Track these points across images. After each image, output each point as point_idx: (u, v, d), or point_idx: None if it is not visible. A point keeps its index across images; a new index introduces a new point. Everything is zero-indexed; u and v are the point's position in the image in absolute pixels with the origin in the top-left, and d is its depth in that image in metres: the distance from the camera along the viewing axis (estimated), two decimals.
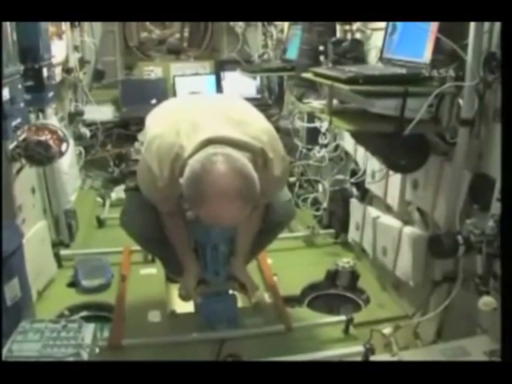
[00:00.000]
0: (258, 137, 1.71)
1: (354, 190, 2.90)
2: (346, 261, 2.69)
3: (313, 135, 3.30)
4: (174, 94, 4.49)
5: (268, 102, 4.28)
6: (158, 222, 2.00)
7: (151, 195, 1.87)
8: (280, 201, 2.11)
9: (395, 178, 2.34)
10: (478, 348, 1.73)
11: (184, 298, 2.11)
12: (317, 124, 3.21)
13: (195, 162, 1.55)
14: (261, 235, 2.10)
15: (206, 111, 1.80)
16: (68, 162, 3.40)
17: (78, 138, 4.00)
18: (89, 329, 1.79)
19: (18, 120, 2.15)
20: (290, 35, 3.41)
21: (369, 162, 2.61)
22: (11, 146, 2.23)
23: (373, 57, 2.48)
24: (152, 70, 4.77)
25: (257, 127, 1.77)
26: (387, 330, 2.00)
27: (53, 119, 2.99)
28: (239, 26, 4.67)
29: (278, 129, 2.10)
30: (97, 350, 1.76)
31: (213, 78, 4.65)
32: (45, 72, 2.50)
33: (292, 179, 3.58)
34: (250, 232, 2.06)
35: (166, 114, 1.92)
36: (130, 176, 2.11)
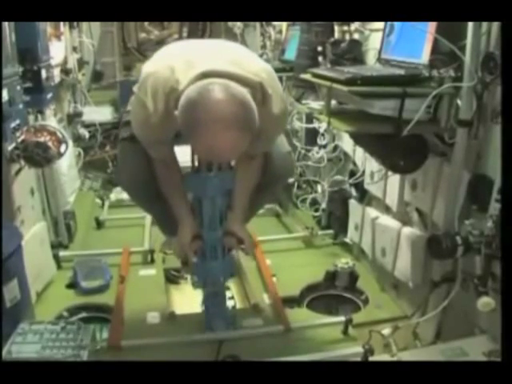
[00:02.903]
0: (257, 73, 1.65)
1: (353, 191, 2.90)
2: (344, 261, 2.69)
3: (311, 136, 3.30)
4: None
5: None
6: (153, 173, 1.92)
7: (145, 135, 1.78)
8: (279, 152, 2.04)
9: (394, 179, 2.34)
10: (477, 348, 1.73)
11: (179, 254, 2.05)
12: (315, 125, 3.21)
13: (191, 91, 1.50)
14: (259, 191, 2.02)
15: (201, 50, 1.74)
16: (67, 164, 3.40)
17: (77, 139, 4.00)
18: (88, 330, 1.80)
19: (17, 121, 2.15)
20: (289, 36, 3.42)
21: (367, 163, 2.61)
22: (10, 148, 2.23)
23: (371, 57, 2.48)
24: None
25: (255, 65, 1.71)
26: (386, 330, 1.99)
27: (51, 120, 2.99)
28: (237, 26, 4.66)
29: None
30: (96, 351, 1.77)
31: None
32: (43, 73, 2.50)
33: (291, 180, 3.58)
34: (248, 184, 1.97)
35: (160, 56, 1.83)
36: (124, 126, 2.00)
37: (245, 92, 1.52)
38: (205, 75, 1.55)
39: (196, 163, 1.94)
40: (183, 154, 1.96)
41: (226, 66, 1.60)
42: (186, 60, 1.66)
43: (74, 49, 3.94)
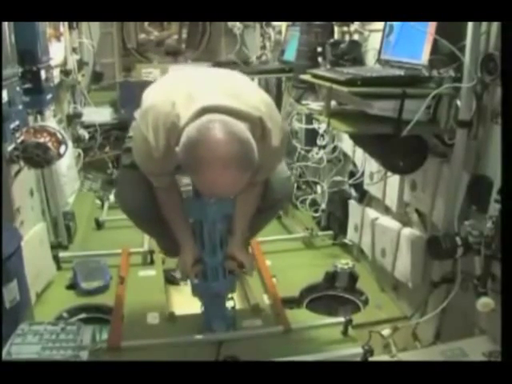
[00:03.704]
0: (256, 106, 1.68)
1: (353, 192, 2.90)
2: (344, 262, 2.69)
3: (311, 137, 3.30)
4: None
5: None
6: (153, 198, 1.94)
7: (147, 167, 1.82)
8: (278, 177, 2.05)
9: (393, 180, 2.34)
10: (477, 349, 1.73)
11: (181, 276, 2.12)
12: (315, 125, 3.21)
13: (191, 129, 1.52)
14: (259, 213, 2.05)
15: (201, 83, 1.76)
16: (66, 164, 3.40)
17: (77, 140, 4.01)
18: (87, 331, 1.80)
19: (17, 122, 2.15)
20: (288, 37, 3.42)
21: (367, 164, 2.61)
22: (10, 148, 2.23)
23: (370, 58, 2.49)
24: (151, 72, 4.78)
25: (254, 97, 1.73)
26: (386, 331, 1.99)
27: (51, 121, 2.99)
28: (237, 27, 4.67)
29: None
30: (96, 351, 1.76)
31: None
32: (43, 74, 2.50)
33: None
34: (248, 209, 2.00)
35: (161, 87, 1.87)
36: (125, 153, 2.03)
37: (244, 129, 1.54)
38: (205, 110, 1.58)
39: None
40: None
41: (226, 100, 1.63)
42: (186, 93, 1.68)
43: (74, 50, 3.94)
